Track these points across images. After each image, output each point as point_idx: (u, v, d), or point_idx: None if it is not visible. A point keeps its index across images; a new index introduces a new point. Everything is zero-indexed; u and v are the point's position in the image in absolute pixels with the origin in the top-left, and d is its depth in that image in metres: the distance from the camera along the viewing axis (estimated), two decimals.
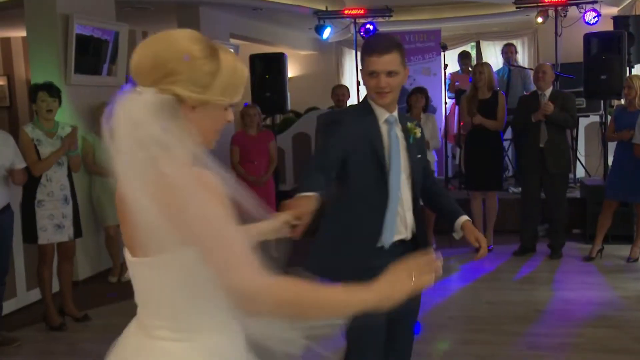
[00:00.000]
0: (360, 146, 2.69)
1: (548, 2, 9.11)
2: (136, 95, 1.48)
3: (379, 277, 1.98)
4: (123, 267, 6.46)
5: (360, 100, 2.88)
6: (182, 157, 1.48)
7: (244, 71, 1.60)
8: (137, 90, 1.49)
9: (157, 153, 1.44)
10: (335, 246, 2.76)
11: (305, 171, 2.68)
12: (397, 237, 2.75)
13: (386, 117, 2.74)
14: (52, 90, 5.06)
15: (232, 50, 1.55)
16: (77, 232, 5.22)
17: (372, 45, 2.70)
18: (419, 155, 2.83)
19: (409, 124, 2.81)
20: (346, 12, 10.03)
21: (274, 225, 2.08)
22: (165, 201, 1.43)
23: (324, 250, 2.81)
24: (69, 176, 5.21)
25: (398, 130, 2.77)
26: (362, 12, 9.88)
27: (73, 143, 5.18)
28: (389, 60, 2.63)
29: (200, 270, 1.48)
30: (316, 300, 1.50)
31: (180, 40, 1.51)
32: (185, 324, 1.59)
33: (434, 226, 6.84)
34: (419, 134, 2.81)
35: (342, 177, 2.73)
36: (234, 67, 1.56)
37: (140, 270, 1.63)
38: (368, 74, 2.68)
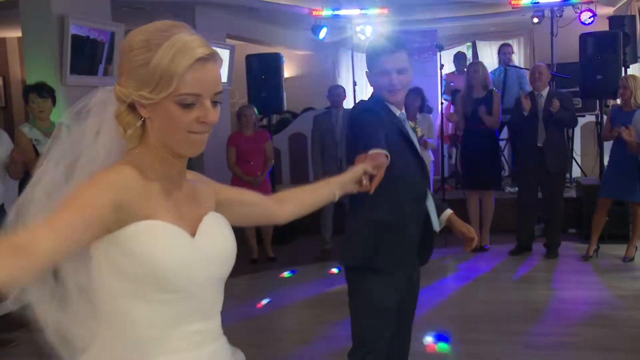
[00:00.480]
0: (395, 138, 2.75)
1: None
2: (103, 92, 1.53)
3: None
4: None
5: (369, 98, 2.97)
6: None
7: (190, 56, 1.40)
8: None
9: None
10: (383, 235, 2.80)
11: (369, 130, 2.63)
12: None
13: (398, 113, 2.84)
14: (42, 91, 5.06)
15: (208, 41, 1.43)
16: None
17: (382, 45, 2.79)
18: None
19: (410, 122, 2.95)
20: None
21: (355, 175, 2.03)
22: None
23: (368, 241, 2.85)
24: None
25: (409, 128, 2.90)
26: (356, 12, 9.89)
27: None
28: (401, 58, 2.76)
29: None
30: None
31: (134, 32, 1.45)
32: (117, 341, 1.53)
33: None
34: (419, 133, 3.07)
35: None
36: (173, 53, 1.39)
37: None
38: (380, 73, 2.77)
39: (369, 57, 2.85)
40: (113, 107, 1.48)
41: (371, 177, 2.05)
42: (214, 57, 1.46)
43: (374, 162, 2.10)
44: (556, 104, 6.36)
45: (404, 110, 2.89)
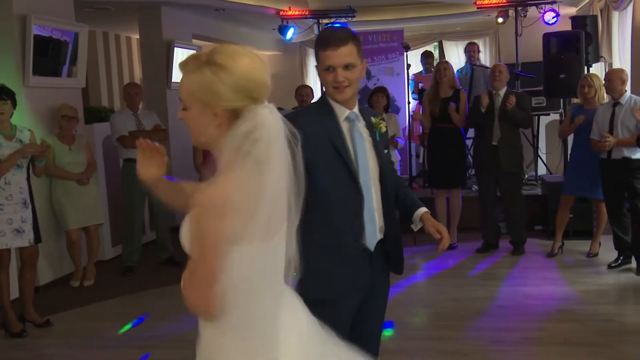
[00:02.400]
0: (322, 149, 2.51)
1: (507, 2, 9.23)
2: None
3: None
4: (85, 271, 6.38)
5: (318, 99, 2.73)
6: None
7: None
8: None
9: None
10: (318, 255, 2.49)
11: None
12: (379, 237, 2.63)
13: (347, 114, 2.59)
14: (1, 93, 4.98)
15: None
16: (37, 238, 5.13)
17: (326, 39, 2.54)
18: (385, 150, 2.71)
19: (373, 118, 2.67)
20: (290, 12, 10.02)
21: None
22: None
23: (313, 269, 2.34)
24: (28, 179, 5.12)
25: (362, 127, 2.62)
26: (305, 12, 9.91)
27: (41, 154, 5.15)
28: (346, 53, 2.49)
29: None
30: None
31: None
32: None
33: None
34: (384, 128, 2.68)
35: (310, 183, 2.36)
36: None
37: None
38: (324, 69, 2.53)
39: (315, 51, 2.59)
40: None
41: None
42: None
43: None
44: (512, 99, 6.44)
45: (356, 109, 2.61)
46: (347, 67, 2.50)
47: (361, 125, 2.63)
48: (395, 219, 2.73)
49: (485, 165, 6.72)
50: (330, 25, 9.89)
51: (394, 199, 2.77)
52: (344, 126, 2.60)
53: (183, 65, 1.82)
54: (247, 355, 1.76)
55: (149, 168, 2.08)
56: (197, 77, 1.75)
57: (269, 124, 1.76)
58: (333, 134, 2.55)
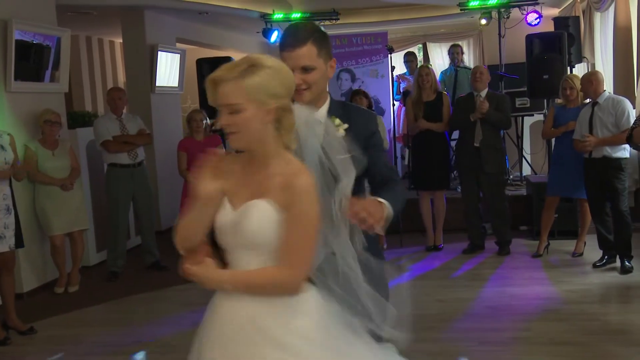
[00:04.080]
0: None
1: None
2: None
3: None
4: (70, 277, 6.33)
5: None
6: None
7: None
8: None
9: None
10: None
11: None
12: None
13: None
14: None
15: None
16: (19, 243, 5.08)
17: (283, 39, 2.41)
18: (344, 155, 2.36)
19: (333, 118, 2.46)
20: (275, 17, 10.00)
21: None
22: None
23: None
24: (11, 186, 5.08)
25: (321, 130, 2.33)
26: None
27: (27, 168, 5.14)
28: (302, 54, 2.33)
29: None
30: None
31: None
32: None
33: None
34: (341, 131, 2.40)
35: None
36: None
37: None
38: None
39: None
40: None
41: None
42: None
43: None
44: (484, 105, 6.47)
45: (321, 110, 2.44)
46: (304, 69, 2.35)
47: (322, 127, 2.36)
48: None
49: (468, 167, 6.76)
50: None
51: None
52: (302, 130, 2.37)
53: (227, 72, 1.97)
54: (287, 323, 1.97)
55: (211, 182, 2.04)
56: (252, 79, 1.94)
57: (299, 119, 2.07)
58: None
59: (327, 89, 2.55)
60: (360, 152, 2.40)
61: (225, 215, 2.00)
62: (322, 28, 2.56)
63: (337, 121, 2.46)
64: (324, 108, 2.49)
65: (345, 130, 2.43)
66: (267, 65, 1.96)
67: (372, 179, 2.57)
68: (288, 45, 2.36)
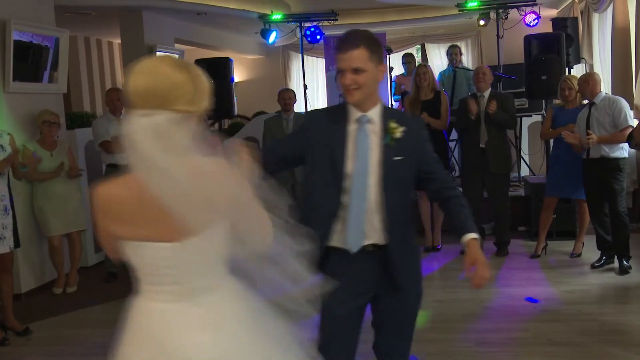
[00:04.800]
0: (320, 147, 2.65)
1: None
2: (147, 117, 1.81)
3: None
4: (68, 278, 6.32)
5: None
6: (201, 153, 1.84)
7: (208, 80, 1.97)
8: (146, 113, 1.82)
9: (188, 153, 1.82)
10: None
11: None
12: (367, 242, 2.67)
13: (358, 116, 2.66)
14: None
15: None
16: (16, 243, 5.09)
17: (338, 43, 2.63)
18: (398, 157, 2.65)
19: (390, 122, 2.66)
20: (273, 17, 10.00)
21: None
22: (202, 187, 1.81)
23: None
24: (9, 186, 5.08)
25: (372, 130, 2.65)
26: None
27: (28, 163, 5.13)
28: (354, 57, 2.55)
29: (228, 239, 1.90)
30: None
31: (171, 74, 1.86)
32: (215, 281, 1.95)
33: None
34: (398, 134, 2.64)
35: (306, 177, 2.77)
36: (203, 80, 1.93)
37: (175, 251, 1.88)
38: (338, 72, 2.63)
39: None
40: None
41: None
42: None
43: None
44: (493, 106, 6.48)
45: (371, 112, 2.66)
46: (355, 70, 2.56)
47: (374, 127, 2.67)
48: (403, 228, 2.73)
49: (473, 168, 6.73)
50: (311, 28, 9.92)
51: (441, 206, 2.87)
52: (351, 127, 2.67)
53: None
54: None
55: None
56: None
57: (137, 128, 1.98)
58: (335, 135, 2.65)
59: (378, 94, 2.74)
60: (416, 156, 2.70)
61: None
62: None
63: (394, 124, 2.64)
64: (376, 110, 2.69)
65: (402, 133, 2.64)
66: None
67: (430, 183, 2.78)
68: (342, 47, 2.58)
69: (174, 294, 1.93)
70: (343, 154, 2.63)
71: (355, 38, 2.59)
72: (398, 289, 2.76)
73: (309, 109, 10.09)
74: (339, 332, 2.76)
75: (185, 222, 1.82)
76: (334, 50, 2.65)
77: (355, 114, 2.67)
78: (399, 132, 2.64)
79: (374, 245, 2.69)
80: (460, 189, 7.35)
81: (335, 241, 2.67)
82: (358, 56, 2.55)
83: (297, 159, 2.77)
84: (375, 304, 2.83)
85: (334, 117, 2.71)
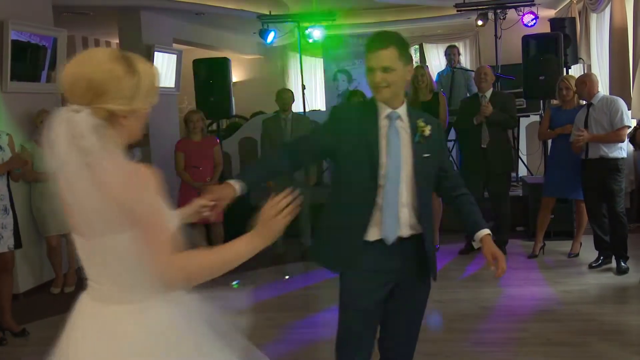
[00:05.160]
0: (353, 139, 2.73)
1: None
2: (74, 113, 1.75)
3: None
4: (66, 278, 6.32)
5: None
6: (115, 158, 1.79)
7: (157, 75, 1.92)
8: (74, 108, 1.76)
9: (96, 157, 1.74)
10: (329, 237, 2.86)
11: (258, 160, 2.80)
12: (401, 233, 2.78)
13: (388, 112, 2.76)
14: None
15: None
16: (17, 243, 5.08)
17: (370, 42, 2.73)
18: (427, 155, 2.78)
19: (419, 121, 2.78)
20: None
21: (192, 209, 2.38)
22: (106, 192, 1.75)
23: (321, 241, 2.94)
24: (8, 186, 5.07)
25: (401, 127, 2.77)
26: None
27: (19, 164, 5.13)
28: (385, 56, 2.66)
29: (136, 249, 1.79)
30: (217, 261, 1.89)
31: (105, 62, 1.79)
32: (130, 292, 1.87)
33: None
34: (427, 132, 2.76)
35: (336, 169, 2.85)
36: (151, 74, 1.87)
37: (86, 249, 1.90)
38: (367, 71, 2.73)
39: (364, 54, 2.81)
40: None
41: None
42: None
43: (211, 196, 2.43)
44: (488, 108, 6.48)
45: (401, 109, 2.78)
46: (385, 69, 2.67)
47: (403, 124, 2.78)
48: (430, 221, 2.89)
49: (474, 168, 6.74)
50: (310, 28, 9.91)
51: (451, 204, 2.98)
52: (383, 123, 2.77)
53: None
54: None
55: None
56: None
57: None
58: (367, 128, 2.74)
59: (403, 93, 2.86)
60: (438, 154, 2.86)
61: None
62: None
63: (422, 123, 2.77)
64: (403, 108, 2.81)
65: (430, 131, 2.78)
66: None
67: (445, 181, 2.93)
68: (373, 47, 2.70)
69: (93, 291, 1.93)
70: (378, 147, 2.73)
71: (385, 38, 2.71)
72: (416, 280, 2.89)
73: (307, 109, 10.09)
74: (365, 323, 2.84)
75: (80, 223, 1.84)
76: (365, 49, 2.74)
77: (385, 110, 2.77)
78: (427, 130, 2.77)
79: (409, 236, 2.80)
80: None
81: (372, 233, 2.76)
82: (388, 55, 2.67)
83: (326, 153, 2.86)
84: (391, 294, 2.89)
85: (364, 112, 2.80)
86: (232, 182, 2.59)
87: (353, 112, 2.86)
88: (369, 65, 2.70)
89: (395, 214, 2.74)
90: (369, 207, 2.73)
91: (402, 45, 2.71)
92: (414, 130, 2.77)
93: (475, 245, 2.86)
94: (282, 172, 2.91)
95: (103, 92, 1.77)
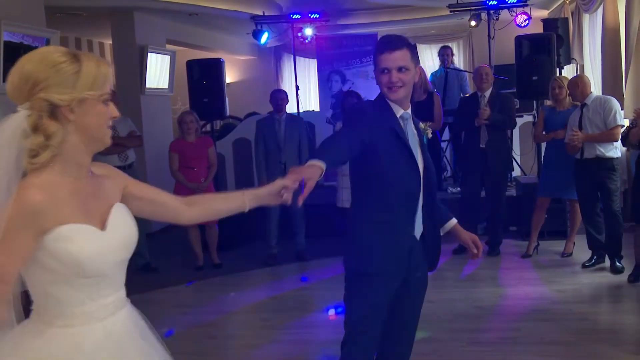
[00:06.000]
0: (383, 133, 2.75)
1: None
2: (12, 118, 1.70)
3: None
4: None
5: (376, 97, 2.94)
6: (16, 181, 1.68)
7: (105, 64, 1.81)
8: (17, 110, 1.70)
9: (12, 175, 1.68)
10: (373, 237, 2.83)
11: (326, 142, 2.66)
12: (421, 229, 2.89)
13: (401, 113, 2.82)
14: None
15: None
16: None
17: (383, 44, 2.80)
18: (429, 155, 2.94)
19: (421, 124, 2.92)
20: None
21: (272, 189, 2.14)
22: None
23: (360, 242, 2.87)
24: None
25: (413, 128, 2.87)
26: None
27: None
28: (399, 57, 2.74)
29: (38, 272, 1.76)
30: None
31: (41, 51, 1.74)
32: (47, 312, 1.81)
33: None
34: (430, 135, 2.92)
35: (369, 166, 2.80)
36: (96, 61, 1.77)
37: None
38: (380, 71, 2.78)
39: (373, 57, 2.87)
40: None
41: (303, 187, 2.19)
42: None
43: (297, 176, 2.17)
44: (486, 112, 6.50)
45: (409, 110, 2.87)
46: (400, 69, 2.75)
47: (412, 126, 2.87)
48: (436, 217, 2.98)
49: (472, 168, 6.75)
50: (304, 29, 9.94)
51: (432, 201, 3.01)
52: (401, 123, 2.83)
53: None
54: None
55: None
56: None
57: None
58: (394, 123, 2.79)
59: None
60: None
61: (96, 240, 1.79)
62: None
63: (424, 125, 2.90)
64: (409, 110, 2.89)
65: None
66: None
67: (431, 181, 2.95)
68: (387, 48, 2.77)
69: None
70: (407, 140, 2.80)
71: (398, 40, 2.80)
72: (421, 276, 2.96)
73: (301, 110, 10.09)
74: (379, 318, 2.87)
75: None
76: (378, 51, 2.79)
77: (398, 110, 2.83)
78: (430, 133, 2.92)
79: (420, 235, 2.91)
80: (459, 188, 7.39)
81: (416, 229, 2.87)
82: (403, 56, 2.75)
83: (362, 150, 2.71)
84: (396, 291, 2.92)
85: (384, 109, 2.83)
86: (315, 162, 2.35)
87: (373, 109, 2.85)
88: (384, 66, 2.76)
89: (420, 212, 2.86)
90: (414, 203, 2.83)
91: (412, 47, 2.82)
92: (420, 132, 2.88)
93: (443, 230, 2.99)
94: (348, 159, 2.76)
95: (37, 81, 1.69)
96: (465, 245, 2.97)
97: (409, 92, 2.82)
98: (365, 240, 2.84)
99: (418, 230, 2.88)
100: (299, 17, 9.75)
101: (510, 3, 9.15)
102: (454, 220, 3.02)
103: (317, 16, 9.77)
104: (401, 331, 3.01)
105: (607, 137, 5.76)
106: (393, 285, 2.85)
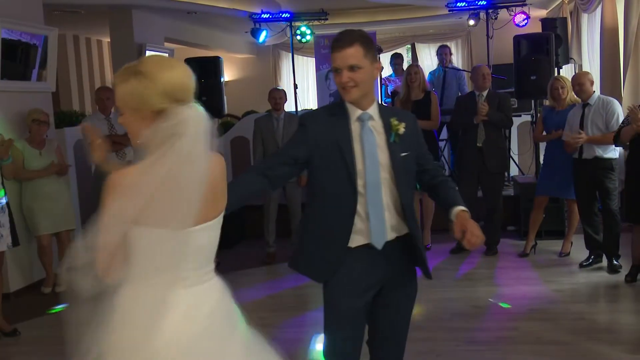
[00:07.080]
0: (325, 146, 2.64)
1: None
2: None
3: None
4: (57, 277, 6.29)
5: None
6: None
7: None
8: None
9: None
10: (310, 248, 2.77)
11: (231, 183, 2.49)
12: (389, 237, 2.70)
13: (358, 114, 2.66)
14: None
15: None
16: (15, 241, 5.08)
17: (333, 42, 2.63)
18: (405, 153, 2.70)
19: (392, 120, 2.67)
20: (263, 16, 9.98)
21: None
22: None
23: (303, 250, 2.84)
24: (3, 184, 5.06)
25: (375, 128, 2.67)
26: None
27: (5, 152, 5.09)
28: (350, 55, 2.56)
29: None
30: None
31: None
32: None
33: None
34: (402, 130, 2.66)
35: (311, 178, 2.75)
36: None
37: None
38: (333, 71, 2.64)
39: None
40: None
41: None
42: None
43: None
44: (485, 108, 6.50)
45: (370, 109, 2.67)
46: (351, 68, 2.57)
47: (375, 125, 2.69)
48: (415, 219, 2.78)
49: (470, 167, 6.75)
50: (302, 27, 9.92)
51: (429, 192, 2.90)
52: (354, 126, 2.68)
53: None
54: (129, 331, 2.04)
55: (96, 152, 2.25)
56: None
57: (192, 120, 1.97)
58: (339, 133, 2.65)
59: (374, 92, 2.75)
60: (415, 150, 2.76)
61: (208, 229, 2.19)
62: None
63: (396, 121, 2.66)
64: (374, 108, 2.70)
65: (404, 129, 2.67)
66: (143, 71, 1.96)
67: (425, 174, 2.85)
68: (337, 46, 2.59)
69: None
70: (352, 153, 2.64)
71: (349, 36, 2.60)
72: (403, 280, 2.82)
73: (299, 109, 10.09)
74: (352, 330, 2.78)
75: None
76: (329, 50, 2.65)
77: (355, 112, 2.66)
78: (402, 128, 2.67)
79: (396, 238, 2.72)
80: (456, 188, 7.38)
81: (356, 239, 2.68)
82: (353, 54, 2.57)
83: (302, 164, 2.71)
84: (378, 295, 2.81)
85: (334, 115, 2.69)
86: None
87: (322, 118, 2.72)
88: (335, 65, 2.60)
89: (382, 219, 2.66)
90: (350, 215, 2.64)
91: (366, 42, 2.61)
92: (388, 129, 2.67)
93: (452, 217, 2.69)
94: (260, 193, 2.74)
95: None
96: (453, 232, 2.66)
97: (366, 91, 2.63)
98: (305, 246, 2.81)
99: (377, 240, 2.67)
100: (298, 15, 9.74)
101: (507, 2, 9.16)
102: (458, 208, 2.66)
103: (316, 15, 9.77)
104: (389, 336, 2.91)
105: (609, 140, 5.74)
106: (360, 296, 2.72)
